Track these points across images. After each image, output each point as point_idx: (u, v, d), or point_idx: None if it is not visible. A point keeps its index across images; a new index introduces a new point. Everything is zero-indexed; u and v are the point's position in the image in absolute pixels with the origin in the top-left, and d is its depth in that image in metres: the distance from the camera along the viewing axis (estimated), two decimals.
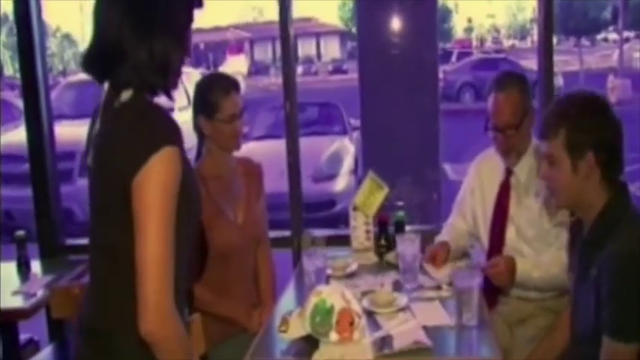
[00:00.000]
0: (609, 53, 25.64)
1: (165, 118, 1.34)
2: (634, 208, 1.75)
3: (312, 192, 6.31)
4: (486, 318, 1.97)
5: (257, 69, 37.53)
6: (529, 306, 2.37)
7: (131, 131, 1.32)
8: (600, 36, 36.29)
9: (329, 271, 2.39)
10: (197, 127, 2.33)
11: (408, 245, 2.25)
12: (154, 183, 1.28)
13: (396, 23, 3.50)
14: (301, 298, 2.07)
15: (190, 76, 10.93)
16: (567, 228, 2.11)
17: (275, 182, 6.41)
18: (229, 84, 2.30)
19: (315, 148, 7.12)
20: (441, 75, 16.87)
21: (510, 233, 2.40)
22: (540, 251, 2.34)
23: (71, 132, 4.60)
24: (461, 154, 9.79)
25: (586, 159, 1.69)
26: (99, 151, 1.39)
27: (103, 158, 1.37)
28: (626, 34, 23.36)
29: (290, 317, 1.84)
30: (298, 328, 1.80)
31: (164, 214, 1.28)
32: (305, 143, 7.47)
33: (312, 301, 1.78)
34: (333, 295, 1.78)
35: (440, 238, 2.52)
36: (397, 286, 2.25)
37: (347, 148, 7.22)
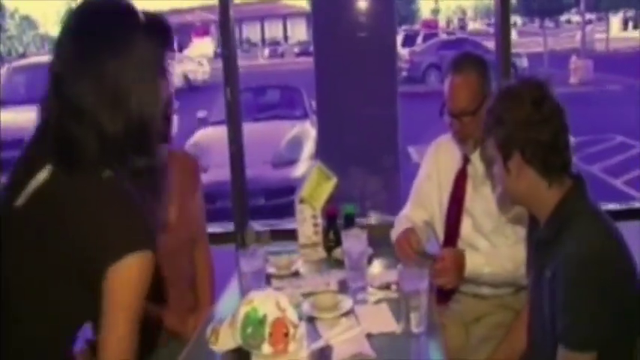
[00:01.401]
0: (572, 35, 25.86)
1: (145, 216, 1.28)
2: (590, 204, 1.61)
3: (271, 178, 6.15)
4: (436, 322, 1.82)
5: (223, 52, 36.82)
6: (484, 303, 2.23)
7: (109, 220, 1.25)
8: (564, 17, 36.60)
9: (272, 270, 2.22)
10: None
11: (354, 242, 2.07)
12: (127, 283, 1.25)
13: (353, 4, 3.31)
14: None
15: None
16: (526, 222, 1.96)
17: None
18: None
19: (275, 132, 6.94)
20: (406, 57, 16.91)
21: (466, 225, 2.25)
22: (497, 245, 2.19)
23: (18, 118, 4.33)
24: (425, 137, 9.77)
25: (514, 158, 1.59)
26: (55, 217, 1.26)
27: (64, 229, 1.25)
28: (588, 16, 23.54)
29: (220, 327, 1.66)
30: (228, 340, 1.62)
31: (132, 313, 1.27)
32: (265, 127, 7.46)
33: (243, 310, 1.59)
34: (265, 303, 1.60)
35: (394, 233, 2.33)
36: (343, 286, 2.08)
37: (308, 132, 7.02)
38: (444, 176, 2.32)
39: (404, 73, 15.28)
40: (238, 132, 2.81)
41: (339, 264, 2.25)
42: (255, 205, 5.94)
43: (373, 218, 2.78)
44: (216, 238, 2.49)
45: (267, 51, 35.07)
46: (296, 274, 2.23)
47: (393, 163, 3.39)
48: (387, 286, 2.04)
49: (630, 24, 39.56)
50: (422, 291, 1.74)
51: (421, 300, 1.74)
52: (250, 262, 1.96)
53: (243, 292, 1.96)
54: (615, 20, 36.51)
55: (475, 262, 2.10)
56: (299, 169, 6.26)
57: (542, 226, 1.63)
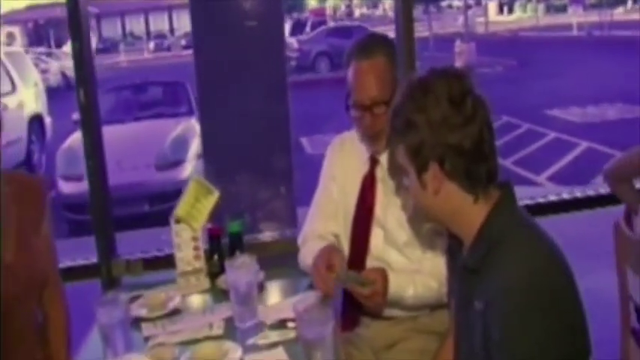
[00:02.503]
0: (454, 19, 26.66)
1: None
2: (520, 218, 1.33)
3: (155, 182, 5.65)
4: None
5: (105, 46, 35.45)
6: (397, 328, 1.93)
7: None
8: (445, 3, 37.70)
9: (142, 312, 1.82)
10: None
11: (240, 272, 1.72)
12: None
13: None
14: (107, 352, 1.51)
15: (19, 58, 9.77)
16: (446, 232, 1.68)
17: (111, 174, 5.68)
18: None
19: (158, 131, 6.44)
20: (295, 45, 16.67)
21: (376, 237, 1.92)
22: (412, 259, 1.90)
23: None
24: (318, 127, 9.57)
25: (430, 171, 1.30)
26: None
27: None
28: (469, 0, 24.31)
29: None
30: None
31: None
32: (147, 127, 6.92)
33: None
34: None
35: (304, 257, 1.95)
36: (230, 327, 1.72)
37: (194, 129, 6.52)
38: (349, 180, 1.99)
39: (293, 62, 15.02)
40: (96, 142, 2.34)
41: (225, 295, 1.89)
42: (139, 213, 5.46)
43: (266, 234, 2.43)
44: (77, 273, 2.06)
45: (152, 44, 33.83)
46: (174, 312, 1.85)
47: (287, 164, 3.05)
48: (283, 324, 1.70)
49: (505, 8, 41.70)
50: (326, 337, 1.42)
51: (325, 347, 1.42)
52: (110, 313, 1.56)
53: (106, 348, 1.56)
54: (492, 5, 38.24)
55: (398, 283, 1.79)
56: (185, 171, 5.80)
57: (466, 249, 1.35)
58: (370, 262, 1.92)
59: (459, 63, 15.65)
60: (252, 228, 2.51)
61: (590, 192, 2.74)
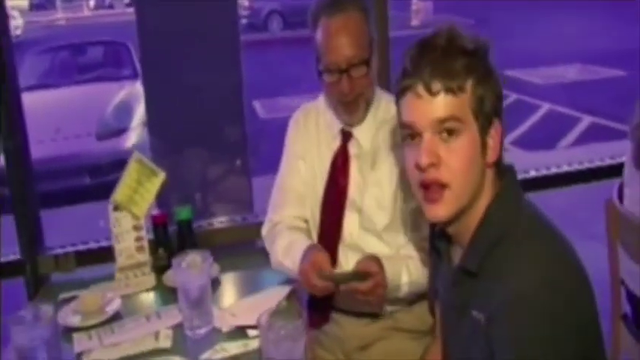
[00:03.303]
0: None
1: None
2: (526, 209, 1.10)
3: (96, 152, 5.25)
4: None
5: (40, 2, 33.78)
6: (374, 327, 1.69)
7: None
8: None
9: (74, 320, 1.54)
10: None
11: (190, 273, 1.46)
12: None
13: None
14: None
15: None
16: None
17: (47, 145, 5.25)
18: None
19: (99, 96, 5.99)
20: (246, 3, 16.09)
21: (351, 222, 1.66)
22: (392, 247, 1.65)
23: None
24: (272, 90, 9.22)
25: (492, 129, 1.09)
26: None
27: None
28: None
29: None
30: None
31: None
32: (86, 92, 6.43)
33: None
34: None
35: (279, 256, 1.66)
36: (180, 336, 1.46)
37: (138, 94, 6.04)
38: (318, 158, 1.72)
39: (243, 21, 14.48)
40: (15, 119, 1.90)
41: (174, 294, 1.61)
42: (79, 186, 5.07)
43: (219, 220, 2.14)
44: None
45: (92, 1, 32.42)
46: (114, 318, 1.57)
47: (240, 137, 2.75)
48: (242, 331, 1.45)
49: None
50: (297, 358, 1.17)
51: None
52: (29, 332, 1.26)
53: None
54: None
55: (393, 271, 1.54)
56: (130, 139, 5.39)
57: (462, 248, 1.11)
58: (343, 251, 1.67)
59: (415, 22, 15.42)
60: (203, 212, 2.23)
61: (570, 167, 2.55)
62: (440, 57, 1.06)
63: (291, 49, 10.93)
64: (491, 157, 1.08)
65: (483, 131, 1.06)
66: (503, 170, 1.11)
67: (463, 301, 1.12)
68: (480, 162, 1.07)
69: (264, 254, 1.84)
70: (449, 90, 1.05)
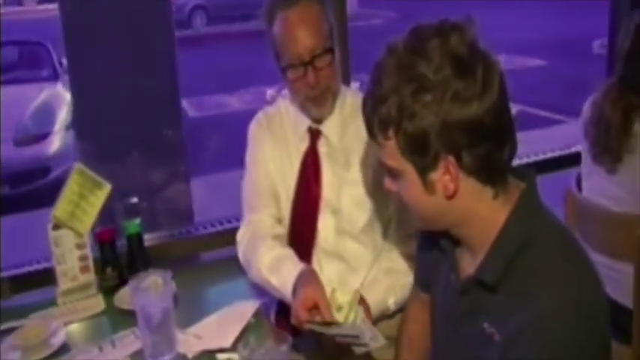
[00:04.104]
0: None
1: None
2: (548, 219, 1.01)
3: (15, 159, 4.91)
4: None
5: None
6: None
7: None
8: None
9: (14, 358, 1.37)
10: None
11: (151, 297, 1.31)
12: None
13: None
14: None
15: None
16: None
17: None
18: None
19: (16, 100, 5.60)
20: None
21: (326, 225, 1.56)
22: (369, 248, 1.57)
23: None
24: (199, 87, 8.97)
25: (440, 169, 0.99)
26: None
27: None
28: None
29: None
30: None
31: None
32: (2, 95, 6.03)
33: None
34: None
35: (261, 273, 1.49)
36: None
37: (60, 96, 5.74)
38: (287, 162, 1.61)
39: None
40: None
41: (127, 318, 1.47)
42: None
43: (163, 233, 1.97)
44: None
45: None
46: (60, 350, 1.40)
47: (178, 140, 2.58)
48: (209, 355, 1.32)
49: None
50: None
51: None
52: None
53: None
54: None
55: (378, 299, 1.48)
56: (52, 145, 5.08)
57: (477, 255, 1.02)
58: (317, 257, 1.57)
59: None
60: (148, 225, 2.06)
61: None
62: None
63: (216, 45, 10.68)
64: (446, 192, 0.96)
65: (423, 171, 0.95)
66: (520, 176, 1.02)
67: (471, 311, 1.04)
68: (432, 198, 0.97)
69: (215, 267, 1.72)
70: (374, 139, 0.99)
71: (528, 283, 0.94)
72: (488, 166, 0.94)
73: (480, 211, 0.98)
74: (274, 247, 1.49)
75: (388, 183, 1.04)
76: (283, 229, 1.58)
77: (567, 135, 2.88)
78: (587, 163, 1.95)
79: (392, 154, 0.96)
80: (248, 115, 1.72)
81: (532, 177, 1.02)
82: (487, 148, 0.93)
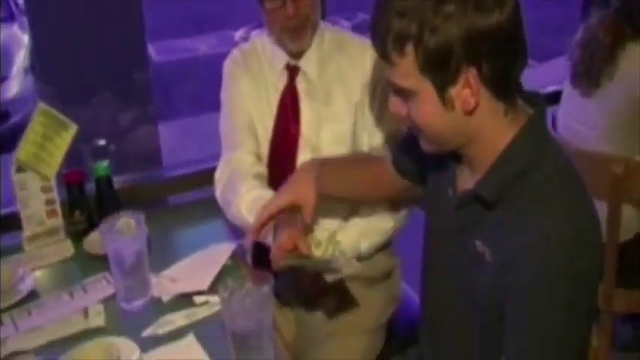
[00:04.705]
0: None
1: None
2: (556, 145, 1.01)
3: None
4: None
5: None
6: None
7: None
8: None
9: None
10: None
11: (124, 240, 1.27)
12: None
13: None
14: None
15: None
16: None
17: None
18: None
19: None
20: None
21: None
22: None
23: None
24: (163, 31, 8.71)
25: (459, 83, 0.95)
26: None
27: None
28: None
29: None
30: None
31: None
32: None
33: None
34: None
35: (240, 212, 1.43)
36: (114, 311, 1.29)
37: (17, 38, 5.51)
38: (265, 100, 1.55)
39: None
40: None
41: (97, 263, 1.43)
42: None
43: (132, 176, 1.90)
44: None
45: None
46: (30, 297, 1.36)
47: (144, 82, 2.49)
48: (186, 299, 1.29)
49: None
50: (264, 328, 1.03)
51: (263, 341, 1.04)
52: None
53: None
54: None
55: (349, 242, 1.45)
56: (10, 90, 4.89)
57: (477, 173, 1.01)
58: None
59: None
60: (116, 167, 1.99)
61: None
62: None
63: None
64: (465, 106, 0.93)
65: (442, 87, 0.93)
66: (528, 98, 1.00)
67: (466, 227, 1.03)
68: (449, 115, 0.94)
69: (187, 210, 1.68)
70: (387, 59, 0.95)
71: (529, 208, 0.93)
72: (505, 78, 0.93)
73: (489, 129, 0.96)
74: (255, 187, 1.44)
75: (396, 105, 0.99)
76: (264, 168, 1.53)
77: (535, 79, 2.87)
78: (567, 88, 1.99)
79: (408, 72, 0.93)
80: (215, 59, 1.64)
81: (542, 104, 1.00)
82: (505, 59, 0.92)
